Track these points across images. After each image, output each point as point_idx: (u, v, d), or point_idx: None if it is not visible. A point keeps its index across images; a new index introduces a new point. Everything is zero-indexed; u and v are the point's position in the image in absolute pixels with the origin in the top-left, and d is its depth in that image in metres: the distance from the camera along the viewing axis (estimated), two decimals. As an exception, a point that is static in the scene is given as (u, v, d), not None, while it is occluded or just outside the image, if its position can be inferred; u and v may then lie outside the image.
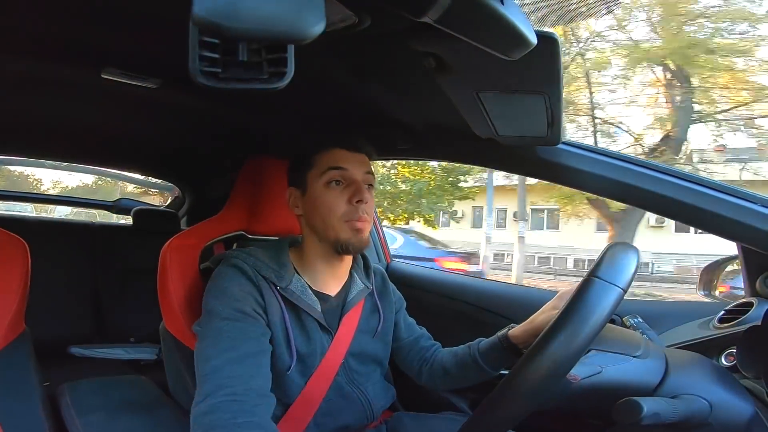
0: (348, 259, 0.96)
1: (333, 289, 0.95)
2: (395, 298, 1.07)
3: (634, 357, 0.68)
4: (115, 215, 2.90)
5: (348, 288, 0.96)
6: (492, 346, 0.93)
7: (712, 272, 1.41)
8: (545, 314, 0.86)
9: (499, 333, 0.93)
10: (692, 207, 0.80)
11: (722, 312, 0.92)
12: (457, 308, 1.34)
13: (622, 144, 8.76)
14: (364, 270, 1.02)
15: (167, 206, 2.62)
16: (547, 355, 0.57)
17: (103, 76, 0.99)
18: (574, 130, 8.71)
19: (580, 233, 13.01)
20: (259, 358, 0.79)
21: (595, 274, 0.60)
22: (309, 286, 0.90)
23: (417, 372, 1.04)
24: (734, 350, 0.79)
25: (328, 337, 0.91)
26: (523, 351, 0.88)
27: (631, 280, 0.61)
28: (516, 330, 0.90)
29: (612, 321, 0.68)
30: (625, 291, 0.59)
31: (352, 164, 0.89)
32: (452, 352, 1.01)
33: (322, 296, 0.92)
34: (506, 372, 0.65)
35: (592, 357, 0.67)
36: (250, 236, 1.13)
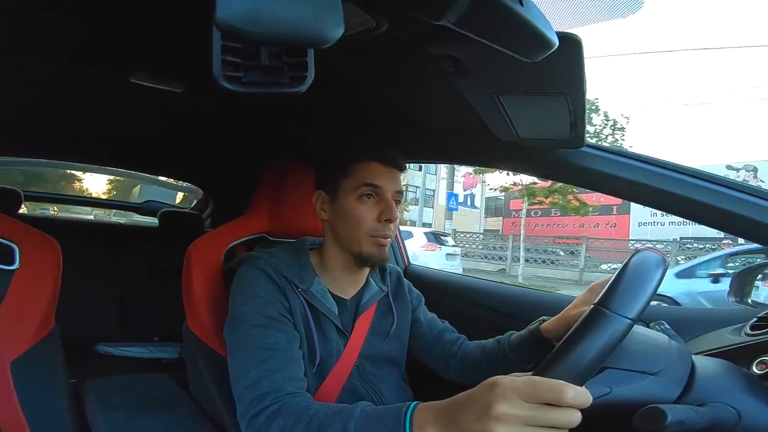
0: (367, 268, 0.96)
1: (349, 293, 0.95)
2: (412, 297, 1.07)
3: (651, 374, 0.66)
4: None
5: (362, 292, 0.96)
6: (523, 339, 0.93)
7: (744, 278, 1.36)
8: (577, 309, 0.85)
9: (531, 326, 0.93)
10: (722, 211, 0.77)
11: (754, 319, 0.89)
12: (475, 312, 1.32)
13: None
14: (379, 273, 1.02)
15: (192, 208, 2.68)
16: None
17: (131, 80, 1.02)
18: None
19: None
20: (293, 363, 0.79)
21: (603, 305, 0.56)
22: (328, 290, 0.91)
23: (444, 366, 1.03)
24: (766, 358, 0.76)
25: (344, 340, 0.91)
26: (555, 344, 0.87)
27: (647, 305, 0.56)
28: (548, 324, 0.90)
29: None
30: (635, 321, 0.55)
31: (386, 181, 0.89)
32: (480, 346, 1.00)
33: (338, 300, 0.92)
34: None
35: (605, 376, 0.64)
36: (271, 238, 1.15)
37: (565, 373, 0.53)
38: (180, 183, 3.23)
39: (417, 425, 0.56)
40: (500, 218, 17.77)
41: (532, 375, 0.54)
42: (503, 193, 14.60)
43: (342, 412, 0.64)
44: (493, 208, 18.74)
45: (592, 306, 0.58)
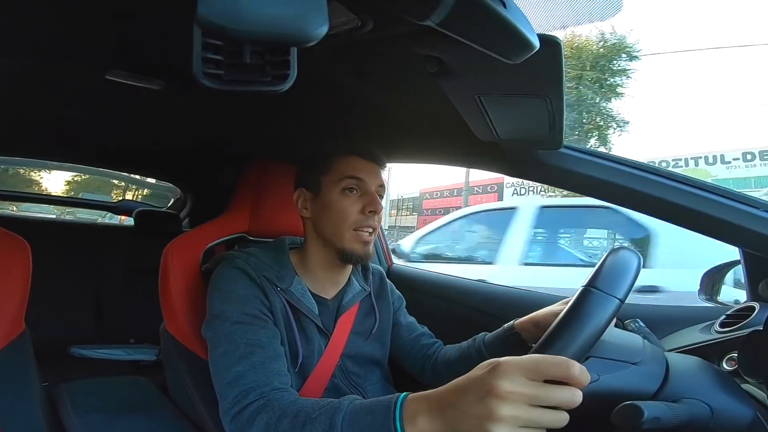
0: (349, 267, 0.96)
1: (331, 293, 0.95)
2: (393, 298, 1.07)
3: (632, 364, 0.68)
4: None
5: (344, 291, 0.96)
6: (497, 337, 0.93)
7: (713, 277, 1.40)
8: (550, 315, 0.85)
9: (505, 325, 0.93)
10: (696, 212, 0.80)
11: (723, 316, 0.92)
12: (458, 312, 1.33)
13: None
14: (362, 272, 1.02)
15: (169, 207, 2.63)
16: None
17: (107, 77, 0.99)
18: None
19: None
20: (276, 359, 0.78)
21: (593, 285, 0.59)
22: (308, 289, 0.90)
23: (420, 370, 1.04)
24: (736, 354, 0.79)
25: (325, 339, 0.91)
26: (529, 343, 0.88)
27: (630, 289, 0.60)
28: (522, 322, 0.90)
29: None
30: (623, 302, 0.59)
31: (368, 174, 0.89)
32: (456, 347, 1.01)
33: (319, 299, 0.92)
34: None
35: (590, 364, 0.66)
36: (251, 238, 1.13)
37: (563, 350, 0.55)
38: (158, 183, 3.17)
39: (408, 415, 0.55)
40: (416, 215, 20.57)
41: (530, 353, 0.55)
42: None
43: (329, 406, 0.63)
44: (411, 207, 21.99)
45: (581, 287, 0.60)
